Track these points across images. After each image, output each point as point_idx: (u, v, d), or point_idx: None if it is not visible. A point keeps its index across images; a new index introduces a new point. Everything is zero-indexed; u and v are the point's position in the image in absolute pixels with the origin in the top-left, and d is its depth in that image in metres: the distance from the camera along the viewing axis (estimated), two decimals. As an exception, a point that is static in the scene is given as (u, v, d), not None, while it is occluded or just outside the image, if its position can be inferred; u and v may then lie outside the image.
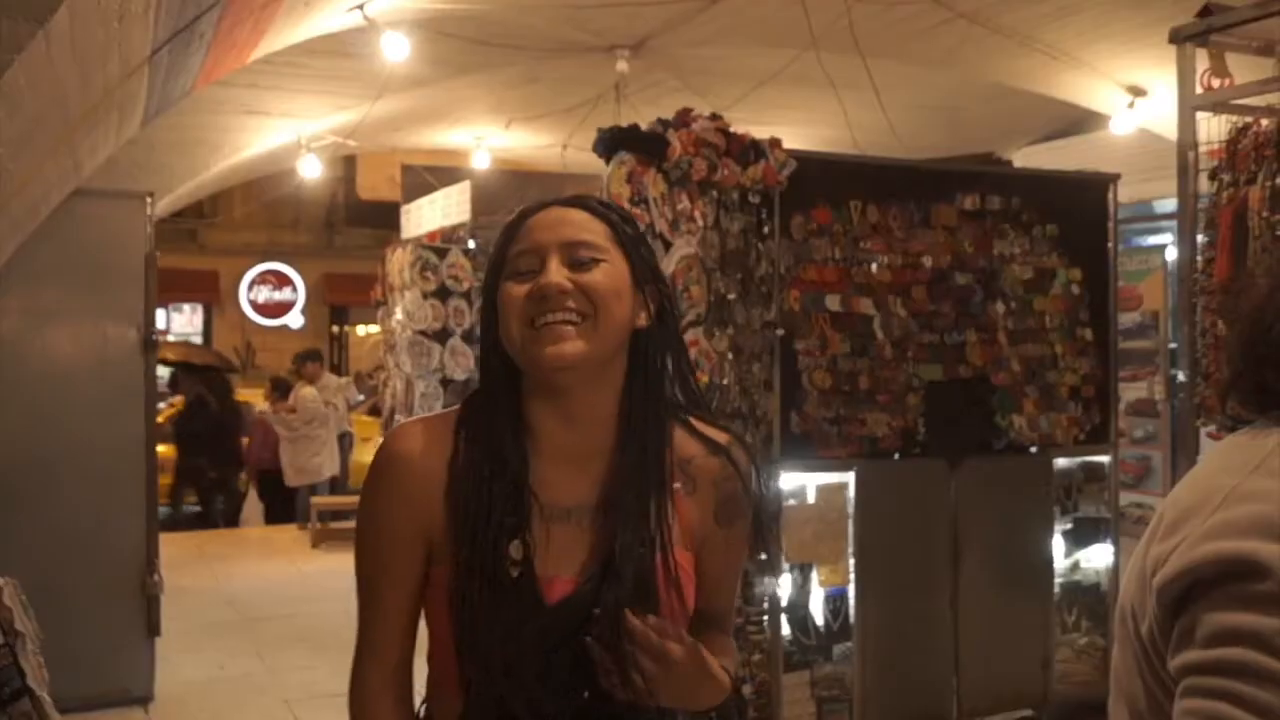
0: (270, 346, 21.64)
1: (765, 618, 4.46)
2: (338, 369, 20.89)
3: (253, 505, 11.92)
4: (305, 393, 10.68)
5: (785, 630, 4.52)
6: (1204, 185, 3.99)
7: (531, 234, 1.47)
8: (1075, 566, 5.20)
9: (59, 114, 3.65)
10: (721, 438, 1.57)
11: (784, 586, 4.52)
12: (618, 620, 1.39)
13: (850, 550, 4.63)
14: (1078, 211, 5.22)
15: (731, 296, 4.41)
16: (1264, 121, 3.85)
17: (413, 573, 1.49)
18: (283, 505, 11.21)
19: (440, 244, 8.34)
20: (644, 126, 4.38)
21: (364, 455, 12.22)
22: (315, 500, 10.29)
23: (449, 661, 1.47)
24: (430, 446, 1.50)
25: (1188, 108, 3.98)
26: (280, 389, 11.29)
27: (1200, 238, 4.00)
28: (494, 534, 1.43)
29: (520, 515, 1.44)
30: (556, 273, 1.42)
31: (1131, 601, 1.06)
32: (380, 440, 1.76)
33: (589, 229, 1.47)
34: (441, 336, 8.05)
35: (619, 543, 1.45)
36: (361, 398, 12.30)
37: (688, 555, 1.53)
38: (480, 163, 11.78)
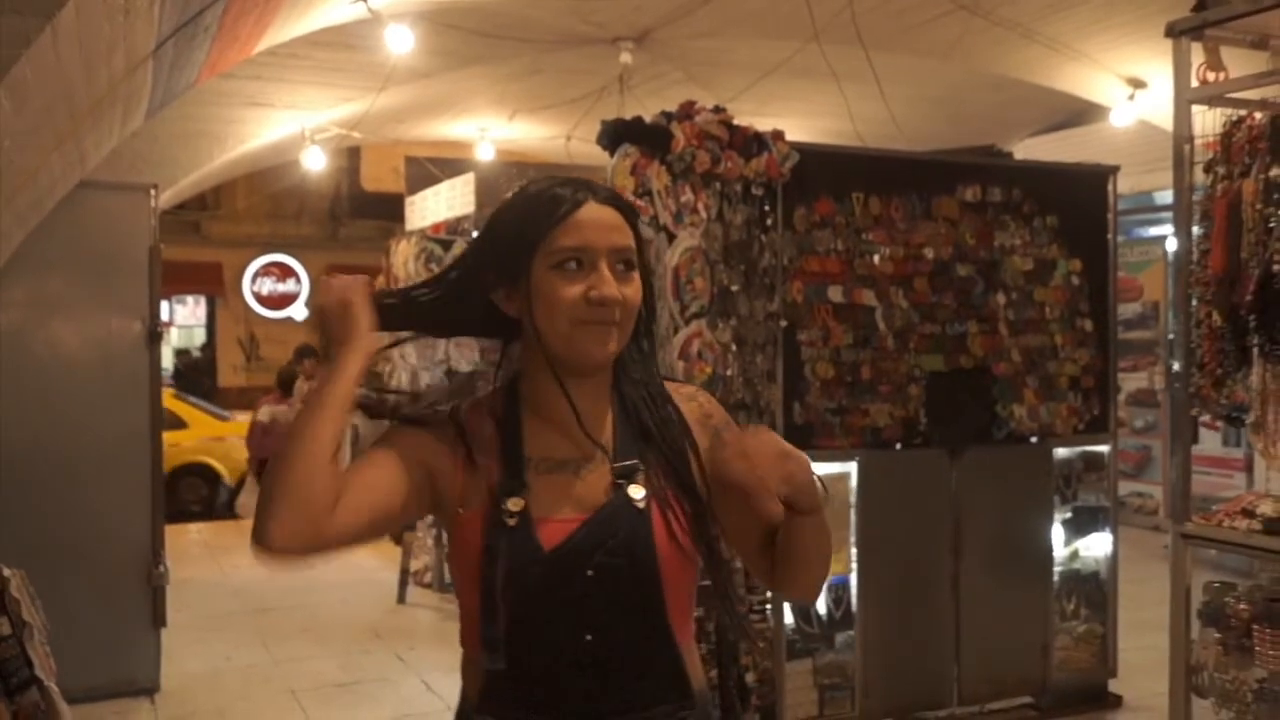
0: (274, 338, 21.67)
1: (768, 607, 4.49)
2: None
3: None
4: None
5: (788, 619, 4.55)
6: (1199, 178, 4.01)
7: (583, 233, 1.56)
8: (1075, 555, 5.23)
9: (65, 108, 3.68)
10: (687, 389, 1.76)
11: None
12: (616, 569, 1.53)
13: (852, 540, 4.67)
14: (1078, 203, 5.24)
15: (735, 288, 4.43)
16: (1257, 115, 3.87)
17: (396, 475, 1.55)
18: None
19: (445, 235, 8.31)
20: (647, 119, 4.40)
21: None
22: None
23: (473, 626, 1.56)
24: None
25: (1183, 101, 4.01)
26: (285, 385, 11.33)
27: (1195, 229, 4.02)
28: (497, 490, 1.56)
29: (518, 474, 1.57)
30: (612, 284, 1.55)
31: None
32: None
33: (627, 235, 1.60)
34: (445, 328, 8.03)
35: (614, 486, 1.58)
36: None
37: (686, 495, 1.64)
38: (484, 154, 11.79)
